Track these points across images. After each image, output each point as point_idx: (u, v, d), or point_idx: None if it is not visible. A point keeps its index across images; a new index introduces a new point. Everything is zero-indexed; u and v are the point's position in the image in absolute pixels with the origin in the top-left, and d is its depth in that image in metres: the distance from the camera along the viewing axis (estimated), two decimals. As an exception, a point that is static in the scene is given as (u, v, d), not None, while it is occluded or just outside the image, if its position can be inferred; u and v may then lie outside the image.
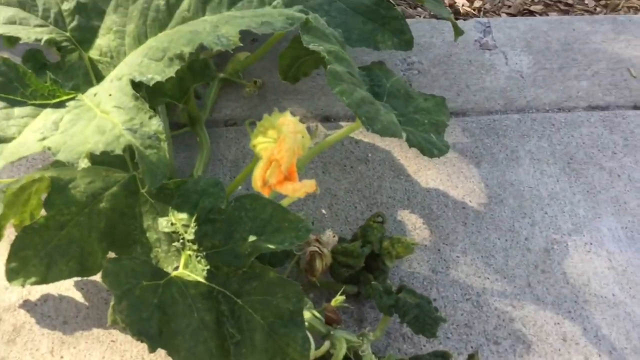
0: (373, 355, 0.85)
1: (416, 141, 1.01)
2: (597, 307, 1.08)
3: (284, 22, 0.70)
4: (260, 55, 1.35)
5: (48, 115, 0.69)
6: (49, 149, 0.62)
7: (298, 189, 0.62)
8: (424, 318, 0.87)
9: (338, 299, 0.94)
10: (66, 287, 1.04)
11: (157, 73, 0.66)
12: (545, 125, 1.34)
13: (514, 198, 1.22)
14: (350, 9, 1.15)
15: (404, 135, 0.93)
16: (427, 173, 1.25)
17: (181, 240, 0.79)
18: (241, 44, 0.69)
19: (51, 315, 1.01)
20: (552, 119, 1.36)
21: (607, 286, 1.11)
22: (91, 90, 0.74)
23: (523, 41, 1.51)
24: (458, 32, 1.23)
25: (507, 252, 1.14)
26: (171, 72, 0.66)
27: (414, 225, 1.17)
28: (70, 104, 0.72)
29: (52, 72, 0.87)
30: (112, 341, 0.99)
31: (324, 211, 1.19)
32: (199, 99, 1.31)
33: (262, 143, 0.64)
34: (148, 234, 0.85)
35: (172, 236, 0.81)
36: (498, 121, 1.35)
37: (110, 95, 0.68)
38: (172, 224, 0.79)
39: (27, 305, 1.02)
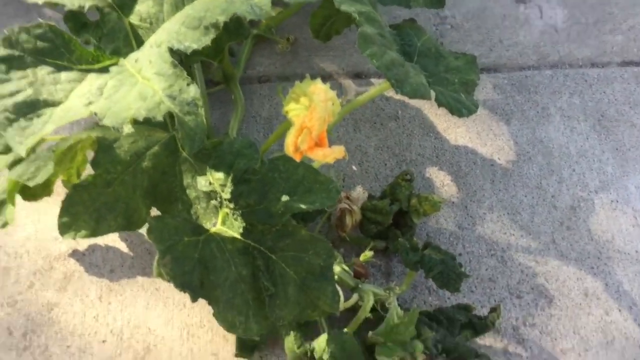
0: (399, 307, 0.90)
1: (445, 101, 1.03)
2: (620, 263, 1.11)
3: None
4: (292, 12, 1.36)
5: (93, 80, 0.74)
6: (96, 114, 0.67)
7: (328, 154, 0.65)
8: (448, 273, 0.91)
9: (366, 254, 0.98)
10: (112, 239, 1.11)
11: (194, 41, 0.69)
12: (577, 82, 1.34)
13: (542, 155, 1.23)
14: (382, -33, 1.15)
15: (433, 96, 0.95)
16: (457, 130, 1.27)
17: (219, 199, 0.84)
18: (273, 14, 0.71)
19: (99, 264, 1.09)
20: (585, 75, 1.35)
21: (630, 243, 1.13)
22: (132, 56, 0.77)
23: (559, -6, 1.49)
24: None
25: (533, 209, 1.17)
26: (207, 40, 0.70)
27: (442, 183, 1.20)
28: (114, 69, 0.76)
29: (92, 32, 0.92)
30: (156, 289, 1.06)
31: (354, 168, 1.22)
32: (233, 56, 1.34)
33: (294, 110, 0.67)
34: (188, 192, 0.90)
35: (210, 194, 0.86)
36: (530, 77, 1.35)
37: (150, 62, 0.71)
38: (210, 183, 0.84)
39: (76, 254, 1.09)
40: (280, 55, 1.40)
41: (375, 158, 1.24)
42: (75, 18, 1.01)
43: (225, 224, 0.83)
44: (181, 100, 0.66)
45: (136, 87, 0.69)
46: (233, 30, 1.20)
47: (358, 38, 0.89)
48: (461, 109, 1.04)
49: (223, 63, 1.22)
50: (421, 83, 0.92)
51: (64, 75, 0.73)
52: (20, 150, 0.66)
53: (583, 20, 1.44)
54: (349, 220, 1.04)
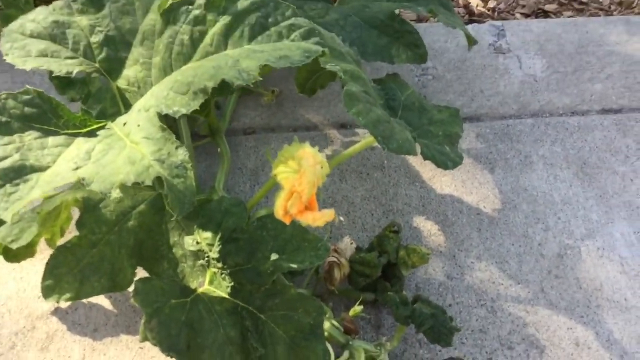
0: (390, 364, 0.89)
1: (430, 154, 1.04)
2: (609, 311, 1.11)
3: (301, 55, 0.73)
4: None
5: (80, 145, 0.73)
6: (83, 179, 0.66)
7: (318, 218, 0.65)
8: (439, 328, 0.90)
9: (356, 309, 0.98)
10: (96, 296, 1.08)
11: (182, 106, 0.70)
12: (558, 130, 1.36)
13: (527, 203, 1.24)
14: (365, 23, 1.17)
15: (418, 151, 0.96)
16: (442, 179, 1.28)
17: (206, 258, 0.83)
18: (260, 78, 0.72)
19: (82, 323, 1.06)
20: (565, 123, 1.37)
21: (619, 291, 1.13)
22: (120, 119, 0.77)
23: (537, 44, 1.53)
24: (471, 41, 1.25)
25: (520, 257, 1.17)
26: (195, 105, 0.70)
27: (429, 232, 1.20)
28: (101, 133, 0.76)
29: (78, 90, 0.92)
30: (140, 348, 1.04)
31: (341, 218, 1.22)
32: (218, 109, 1.35)
33: (283, 173, 0.68)
34: (174, 250, 0.89)
35: (197, 254, 0.85)
36: (512, 126, 1.37)
37: (138, 125, 0.71)
38: (197, 242, 0.83)
39: (58, 313, 1.07)
40: (266, 107, 1.41)
41: (361, 208, 1.24)
42: (60, 77, 1.02)
43: (212, 284, 0.82)
44: (170, 164, 0.66)
45: (125, 151, 0.69)
46: (219, 87, 1.22)
47: (344, 96, 0.90)
48: (446, 161, 1.06)
49: (209, 117, 1.22)
50: (407, 139, 0.93)
51: (51, 140, 0.73)
52: (6, 217, 0.65)
53: (562, 69, 1.47)
54: (337, 274, 1.03)
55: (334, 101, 1.42)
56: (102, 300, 1.09)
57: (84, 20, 0.83)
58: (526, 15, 1.75)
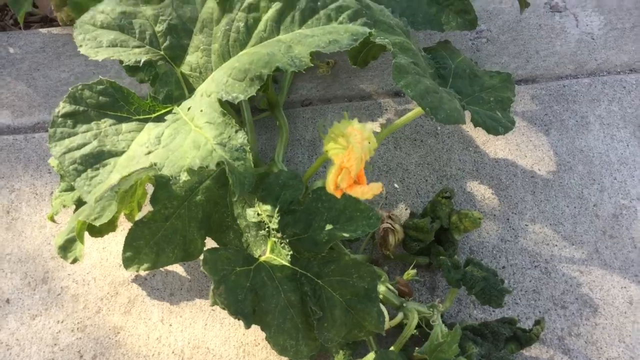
0: (443, 325, 0.94)
1: (481, 120, 1.06)
2: (666, 271, 1.11)
3: (350, 38, 0.77)
4: (331, 36, 1.42)
5: (151, 130, 0.80)
6: (155, 164, 0.73)
7: (366, 192, 0.70)
8: (490, 290, 0.94)
9: (410, 273, 1.03)
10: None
11: (241, 92, 0.75)
12: (616, 89, 1.35)
13: (583, 165, 1.25)
14: (415, -8, 1.19)
15: (468, 119, 0.98)
16: (496, 144, 1.30)
17: (267, 229, 0.90)
18: (312, 65, 0.76)
19: (159, 288, 1.16)
20: (623, 81, 1.35)
21: (676, 250, 1.13)
22: (185, 104, 0.84)
23: (594, 0, 1.49)
24: (524, 4, 1.25)
25: (575, 218, 1.19)
26: (253, 91, 0.75)
27: (483, 196, 1.23)
28: (169, 117, 0.82)
29: (146, 72, 0.99)
30: (212, 310, 1.13)
31: (396, 185, 1.27)
32: (276, 83, 1.40)
33: (333, 149, 0.72)
34: (239, 221, 0.96)
35: (259, 224, 0.92)
36: (568, 86, 1.37)
37: (201, 111, 0.77)
38: (258, 214, 0.90)
39: (138, 280, 1.18)
40: (321, 78, 1.45)
41: (416, 175, 1.28)
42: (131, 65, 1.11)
43: (273, 252, 0.89)
44: (231, 147, 0.72)
45: (190, 136, 0.75)
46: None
47: (393, 69, 0.93)
48: (497, 127, 1.07)
49: (268, 92, 1.28)
50: (455, 108, 0.96)
51: (125, 126, 0.80)
52: (89, 199, 0.73)
53: (620, 26, 1.44)
54: (392, 239, 1.09)
55: (387, 70, 1.45)
56: (176, 268, 1.19)
57: (148, 10, 0.87)
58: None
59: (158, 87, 0.93)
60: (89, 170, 0.76)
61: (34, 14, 1.68)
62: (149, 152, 0.76)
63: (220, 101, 0.77)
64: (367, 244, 1.14)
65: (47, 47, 1.57)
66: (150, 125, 0.81)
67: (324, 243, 0.84)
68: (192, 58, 0.85)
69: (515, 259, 1.15)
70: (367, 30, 0.77)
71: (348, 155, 0.68)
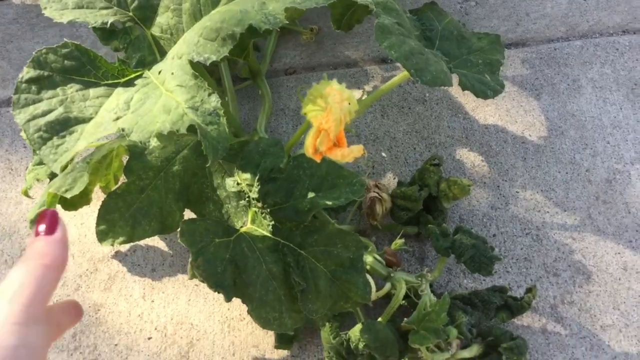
0: (431, 294, 0.91)
1: (469, 84, 1.02)
2: (660, 236, 1.09)
3: None
4: (314, 2, 1.36)
5: (120, 95, 0.76)
6: (123, 130, 0.69)
7: (347, 154, 0.66)
8: (479, 258, 0.91)
9: (397, 243, 0.99)
10: (152, 239, 1.15)
11: (213, 53, 0.71)
12: (608, 51, 1.31)
13: (575, 129, 1.21)
14: (399, -49, 1.13)
15: (456, 82, 0.94)
16: (486, 109, 1.26)
17: (247, 198, 0.86)
18: (287, 22, 0.72)
19: (140, 264, 1.13)
20: (615, 43, 1.31)
21: (670, 214, 1.11)
22: (156, 67, 0.79)
23: (586, -40, 1.45)
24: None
25: (567, 184, 1.15)
26: (225, 51, 0.71)
27: (473, 163, 1.20)
28: (139, 82, 0.78)
29: (120, 39, 0.94)
30: (196, 285, 1.10)
31: (384, 154, 1.23)
32: (258, 51, 1.36)
33: (312, 111, 0.68)
34: (218, 192, 0.92)
35: (239, 194, 0.88)
36: (559, 49, 1.33)
37: (172, 74, 0.73)
38: (237, 183, 0.86)
39: (118, 256, 1.14)
40: (305, 45, 1.40)
41: (404, 143, 1.24)
42: (103, 28, 1.05)
43: (254, 223, 0.85)
44: (203, 111, 0.68)
45: (160, 100, 0.71)
46: (249, 31, 1.22)
47: (375, 30, 0.89)
48: (486, 90, 1.04)
49: (248, 59, 1.23)
50: (441, 70, 0.92)
51: (92, 92, 0.75)
52: (55, 168, 0.69)
53: (613, -14, 1.40)
54: (379, 209, 1.05)
55: (373, 36, 1.39)
56: (158, 243, 1.15)
57: None
58: None
59: (130, 52, 0.89)
60: (54, 138, 0.71)
61: (6, -16, 1.61)
62: (117, 118, 0.72)
63: (191, 63, 0.72)
64: (354, 214, 1.11)
65: (20, 18, 1.52)
66: (119, 90, 0.77)
67: (306, 212, 0.80)
68: (163, 19, 0.80)
69: (506, 226, 1.12)
70: (346, -15, 0.72)
71: (327, 116, 0.64)
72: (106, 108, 0.75)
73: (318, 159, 0.68)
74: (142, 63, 0.87)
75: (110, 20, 0.81)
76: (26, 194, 1.07)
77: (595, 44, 1.32)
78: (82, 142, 0.72)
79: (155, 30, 0.83)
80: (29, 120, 0.73)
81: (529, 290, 0.98)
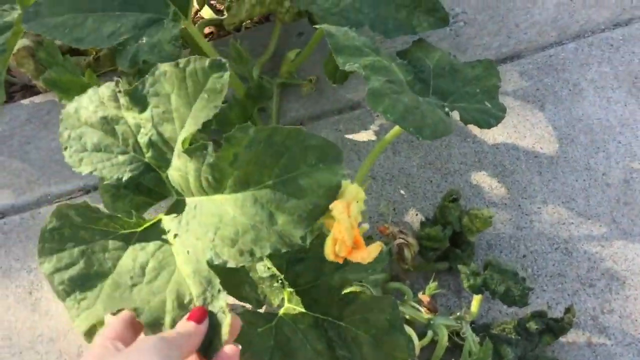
0: (473, 334, 0.93)
1: (470, 117, 1.05)
2: (687, 228, 1.10)
3: (325, 196, 0.66)
4: (308, 54, 1.40)
5: (136, 253, 0.75)
6: (136, 309, 0.69)
7: (366, 257, 0.69)
8: (512, 292, 0.94)
9: (431, 287, 1.02)
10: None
11: (231, 258, 0.63)
12: (603, 48, 1.32)
13: (584, 134, 1.23)
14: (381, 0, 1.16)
15: (453, 129, 0.97)
16: (493, 129, 1.28)
17: (280, 281, 0.90)
18: (304, 244, 0.66)
19: None
20: (609, 39, 1.33)
21: (694, 204, 1.11)
22: (172, 223, 0.77)
23: (565, -41, 1.46)
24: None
25: (586, 192, 1.17)
26: (244, 262, 0.67)
27: (490, 186, 1.22)
28: (155, 245, 0.76)
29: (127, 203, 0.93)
30: None
31: (402, 192, 1.26)
32: (264, 111, 1.40)
33: (324, 219, 0.70)
34: (252, 274, 0.96)
35: (271, 277, 0.92)
36: (554, 55, 1.34)
37: (188, 253, 0.72)
38: (268, 267, 0.90)
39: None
40: (307, 96, 1.44)
41: (419, 177, 1.27)
42: (113, 192, 1.07)
43: (291, 302, 0.89)
44: (213, 307, 0.68)
45: (174, 278, 0.71)
46: (257, 95, 1.26)
47: (367, 97, 0.92)
48: (488, 119, 1.06)
49: (256, 124, 1.27)
50: (439, 120, 0.94)
51: (111, 243, 0.76)
52: (78, 326, 0.71)
53: (595, -19, 1.41)
54: (407, 253, 1.08)
55: (371, 74, 1.43)
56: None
57: (129, 118, 0.81)
58: None
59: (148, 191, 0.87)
60: (77, 292, 0.73)
61: (14, 83, 1.68)
62: (134, 285, 0.72)
63: (208, 262, 0.72)
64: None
65: (32, 118, 1.58)
66: (136, 247, 0.76)
67: (338, 288, 0.84)
68: (175, 174, 0.80)
69: (534, 245, 1.14)
70: (341, 179, 0.71)
71: (337, 228, 0.67)
72: (123, 265, 0.75)
73: (340, 261, 0.71)
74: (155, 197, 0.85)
75: (126, 175, 0.80)
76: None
77: (589, 43, 1.33)
78: (99, 305, 0.71)
79: (171, 175, 0.80)
80: (53, 273, 0.74)
81: (567, 310, 1.00)
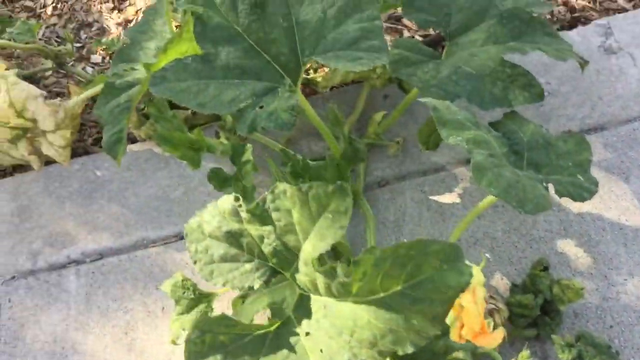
0: (567, 405, 0.96)
1: (565, 191, 1.09)
2: None
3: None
4: (396, 117, 1.47)
5: (275, 357, 0.80)
6: None
7: (491, 342, 0.73)
8: (606, 366, 0.97)
9: (524, 356, 1.05)
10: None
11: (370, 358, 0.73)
12: (687, 121, 1.35)
13: (670, 208, 1.26)
14: (477, 73, 1.22)
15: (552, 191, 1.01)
16: (578, 199, 1.32)
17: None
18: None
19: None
20: (693, 116, 1.36)
21: None
22: (304, 324, 0.82)
23: (648, 36, 1.51)
24: (583, 66, 1.27)
25: (673, 266, 1.19)
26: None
27: (576, 255, 1.25)
28: (288, 344, 0.81)
29: (234, 186, 1.04)
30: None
31: (487, 255, 1.30)
32: (352, 170, 1.46)
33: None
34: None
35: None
36: (638, 129, 1.38)
37: (321, 351, 0.76)
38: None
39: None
40: (393, 157, 1.50)
41: (504, 242, 1.30)
42: (217, 175, 1.17)
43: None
44: None
45: None
46: (351, 156, 1.33)
47: (472, 169, 0.97)
48: (582, 193, 1.10)
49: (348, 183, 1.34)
50: (540, 195, 0.99)
51: (247, 341, 0.81)
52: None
53: (679, 58, 1.45)
54: (498, 319, 1.12)
55: (455, 139, 1.48)
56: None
57: (252, 231, 0.86)
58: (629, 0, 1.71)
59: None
60: None
61: (113, 134, 1.80)
62: None
63: None
64: (473, 325, 1.18)
65: (131, 165, 1.68)
66: (272, 345, 0.81)
67: (442, 354, 0.88)
68: (303, 279, 0.84)
69: (620, 316, 1.16)
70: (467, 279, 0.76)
71: (466, 316, 0.72)
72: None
73: (463, 342, 0.75)
74: (281, 300, 0.89)
75: (256, 283, 0.86)
76: (174, 342, 1.20)
77: (673, 119, 1.37)
78: None
79: (299, 278, 0.85)
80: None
81: (658, 384, 1.02)
